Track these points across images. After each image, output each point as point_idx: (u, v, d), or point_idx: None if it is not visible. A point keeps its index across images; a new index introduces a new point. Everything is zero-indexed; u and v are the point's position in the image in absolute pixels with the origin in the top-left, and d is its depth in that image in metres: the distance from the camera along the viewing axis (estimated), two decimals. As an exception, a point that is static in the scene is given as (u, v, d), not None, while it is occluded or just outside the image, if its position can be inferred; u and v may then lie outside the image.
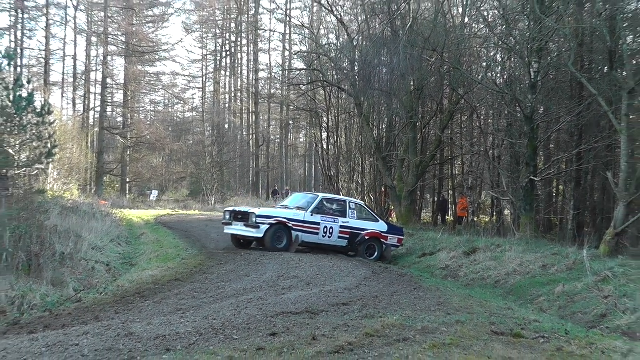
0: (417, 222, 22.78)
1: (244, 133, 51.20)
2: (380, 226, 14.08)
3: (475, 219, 23.84)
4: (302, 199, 14.71)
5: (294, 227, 13.19)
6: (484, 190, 26.94)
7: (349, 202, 14.31)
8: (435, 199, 27.77)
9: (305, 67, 29.89)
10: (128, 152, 41.66)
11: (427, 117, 23.71)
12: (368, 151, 26.70)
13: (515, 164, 17.46)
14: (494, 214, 23.07)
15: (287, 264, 10.95)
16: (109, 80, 41.27)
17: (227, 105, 51.91)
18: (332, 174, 28.32)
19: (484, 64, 19.94)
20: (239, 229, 13.40)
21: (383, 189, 25.25)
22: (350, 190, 28.16)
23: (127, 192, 40.83)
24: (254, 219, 13.05)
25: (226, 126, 48.47)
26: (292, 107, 41.68)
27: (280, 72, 46.22)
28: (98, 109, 41.44)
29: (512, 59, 18.68)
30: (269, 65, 51.68)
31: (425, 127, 23.35)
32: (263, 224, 12.99)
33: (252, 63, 50.04)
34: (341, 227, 13.59)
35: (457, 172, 28.08)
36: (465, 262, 12.38)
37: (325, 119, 30.12)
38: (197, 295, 7.69)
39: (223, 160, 41.00)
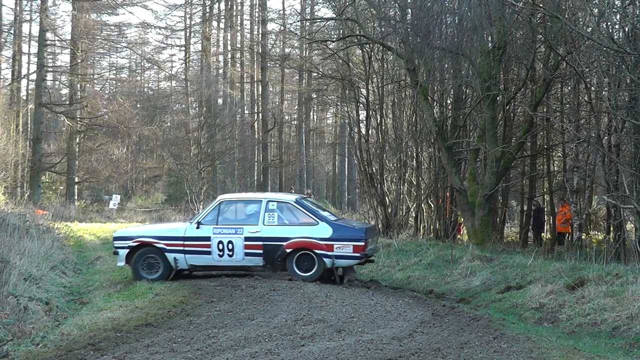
0: (497, 240, 20.25)
1: (246, 112, 44.55)
2: (319, 231, 12.45)
3: (584, 237, 21.46)
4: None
5: (168, 248, 12.06)
6: (595, 195, 24.57)
7: (266, 202, 12.62)
8: (525, 207, 25.41)
9: (334, 16, 26.52)
10: (77, 140, 35.95)
11: (512, 88, 21.23)
12: (426, 138, 24.50)
13: (642, 155, 14.71)
14: (611, 229, 20.90)
15: (309, 302, 9.71)
16: (49, 35, 35.01)
17: (220, 72, 44.77)
18: (374, 170, 26.17)
19: (596, 10, 17.48)
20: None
21: (447, 194, 23.24)
22: (400, 194, 25.74)
23: (76, 197, 35.36)
24: (114, 244, 11.94)
25: (220, 102, 41.77)
26: (315, 74, 35.69)
27: (299, 23, 40.42)
28: (33, 76, 35.54)
29: (638, 2, 16.68)
30: (281, 12, 44.05)
31: (509, 102, 20.68)
32: (122, 248, 11.98)
33: (257, 9, 43.23)
34: (248, 239, 12.23)
35: (555, 169, 25.69)
36: (568, 300, 11.48)
37: (363, 90, 27.64)
38: (178, 347, 7.12)
39: (215, 151, 35.74)
